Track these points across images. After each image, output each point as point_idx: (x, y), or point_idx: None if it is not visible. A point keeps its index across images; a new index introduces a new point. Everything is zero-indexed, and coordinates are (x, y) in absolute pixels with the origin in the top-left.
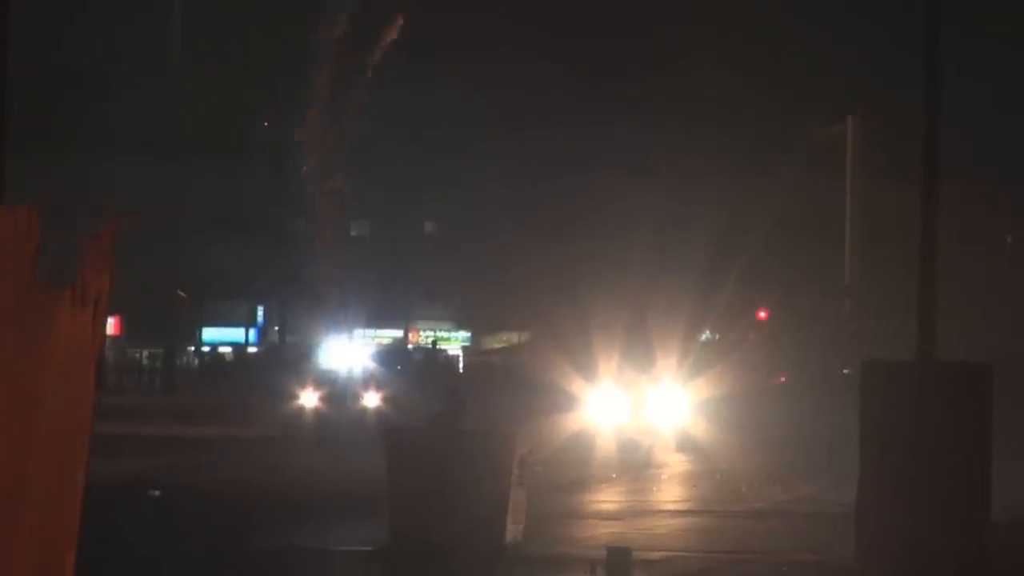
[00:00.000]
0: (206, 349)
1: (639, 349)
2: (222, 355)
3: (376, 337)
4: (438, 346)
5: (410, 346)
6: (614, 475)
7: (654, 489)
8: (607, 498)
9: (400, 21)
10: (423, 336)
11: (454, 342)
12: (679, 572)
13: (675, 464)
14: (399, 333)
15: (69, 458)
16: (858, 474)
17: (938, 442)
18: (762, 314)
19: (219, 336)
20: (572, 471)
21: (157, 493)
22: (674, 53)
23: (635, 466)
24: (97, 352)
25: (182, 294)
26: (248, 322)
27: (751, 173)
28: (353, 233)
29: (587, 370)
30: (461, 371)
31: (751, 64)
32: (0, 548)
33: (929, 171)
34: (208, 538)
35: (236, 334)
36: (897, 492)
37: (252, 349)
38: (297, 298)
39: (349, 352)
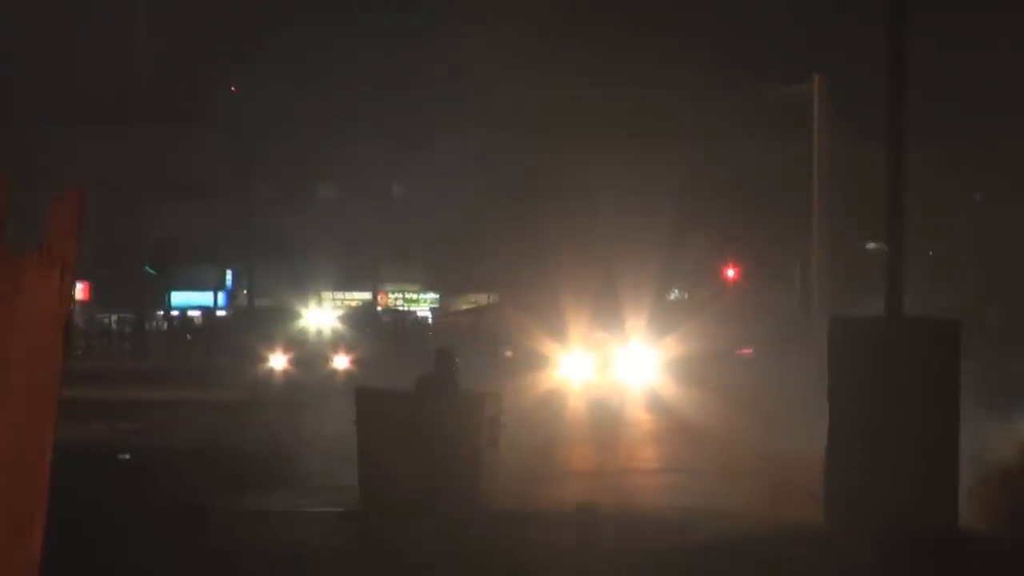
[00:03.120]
0: (175, 313)
1: (608, 309)
2: (191, 319)
3: (345, 299)
4: (407, 308)
5: (379, 308)
6: (584, 434)
7: (624, 447)
8: (578, 457)
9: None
10: (392, 298)
11: (422, 303)
12: (650, 530)
13: (645, 423)
14: (368, 295)
15: (38, 421)
16: (827, 432)
17: (907, 398)
18: (731, 272)
19: (188, 300)
20: (542, 430)
21: (127, 456)
22: (637, 14)
23: (605, 425)
24: (65, 315)
25: (150, 270)
26: (217, 286)
27: (718, 133)
28: (320, 195)
29: (556, 330)
30: (429, 332)
31: (715, 24)
32: None
33: (894, 129)
34: (177, 500)
35: (205, 298)
36: (866, 450)
37: (221, 313)
38: (265, 261)
39: (318, 314)
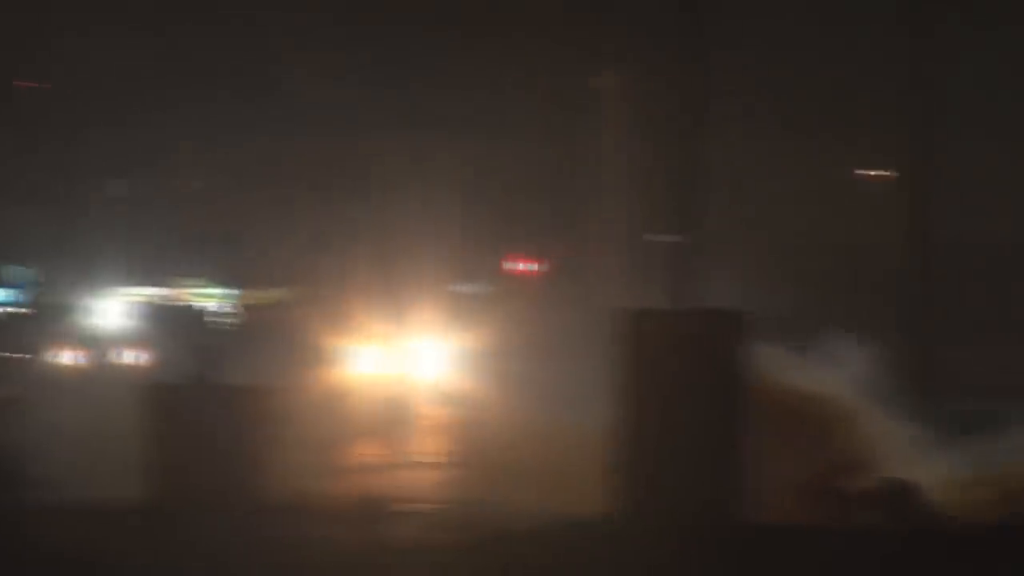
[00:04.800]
0: None
1: (398, 303)
2: None
3: (137, 295)
4: (196, 303)
5: (169, 303)
6: (372, 428)
7: (414, 441)
8: (368, 451)
9: None
10: (185, 293)
11: (216, 299)
12: (436, 524)
13: (434, 417)
14: (161, 290)
15: None
16: (615, 425)
17: (693, 389)
18: (522, 265)
19: None
20: (333, 425)
21: None
22: (428, 6)
23: (396, 419)
24: None
25: None
26: (16, 283)
27: (510, 127)
28: (111, 192)
29: (349, 325)
30: (219, 328)
31: (510, 18)
32: None
33: (687, 129)
34: None
35: (5, 295)
36: (653, 442)
37: (23, 310)
38: (62, 258)
39: (109, 310)
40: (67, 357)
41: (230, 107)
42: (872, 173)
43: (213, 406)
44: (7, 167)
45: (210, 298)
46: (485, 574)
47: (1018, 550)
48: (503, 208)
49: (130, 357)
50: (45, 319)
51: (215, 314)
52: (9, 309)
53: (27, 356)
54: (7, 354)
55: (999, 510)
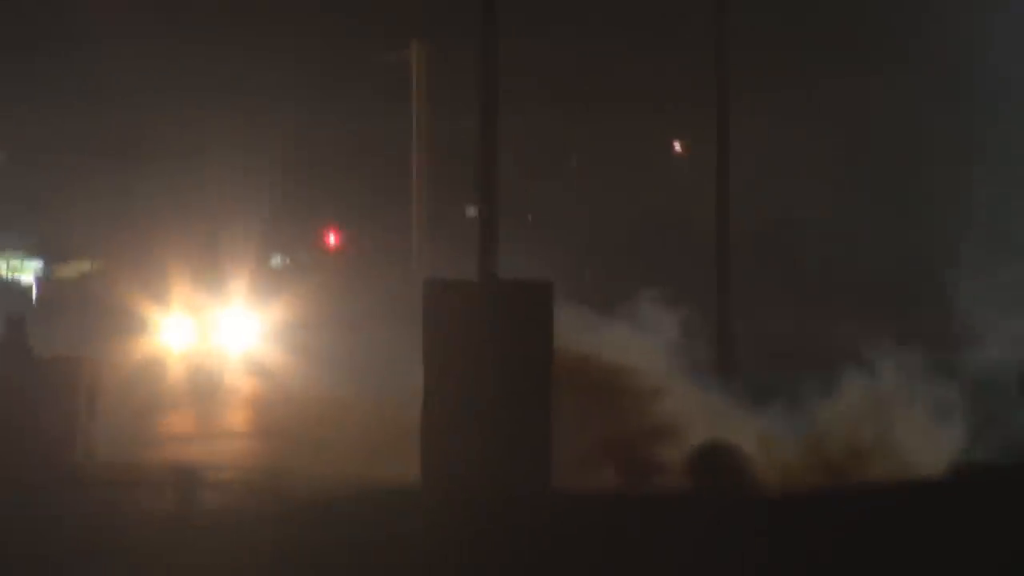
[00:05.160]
0: None
1: (210, 274)
2: None
3: None
4: (6, 275)
5: None
6: (183, 398)
7: (223, 412)
8: (178, 421)
9: None
10: None
11: (26, 271)
12: (247, 491)
13: (244, 388)
14: None
15: None
16: (423, 396)
17: (498, 359)
18: (332, 238)
19: None
20: (143, 395)
21: None
22: None
23: (205, 390)
24: None
25: None
26: None
27: (323, 97)
28: None
29: (159, 296)
30: (28, 299)
31: None
32: None
33: (488, 101)
34: None
35: None
36: (459, 412)
37: None
38: None
39: None
40: None
41: (34, 77)
42: (680, 147)
43: (20, 377)
44: None
45: (21, 270)
46: (294, 541)
47: (837, 516)
48: (318, 183)
49: None
50: None
51: (26, 286)
52: None
53: None
54: None
55: (815, 477)
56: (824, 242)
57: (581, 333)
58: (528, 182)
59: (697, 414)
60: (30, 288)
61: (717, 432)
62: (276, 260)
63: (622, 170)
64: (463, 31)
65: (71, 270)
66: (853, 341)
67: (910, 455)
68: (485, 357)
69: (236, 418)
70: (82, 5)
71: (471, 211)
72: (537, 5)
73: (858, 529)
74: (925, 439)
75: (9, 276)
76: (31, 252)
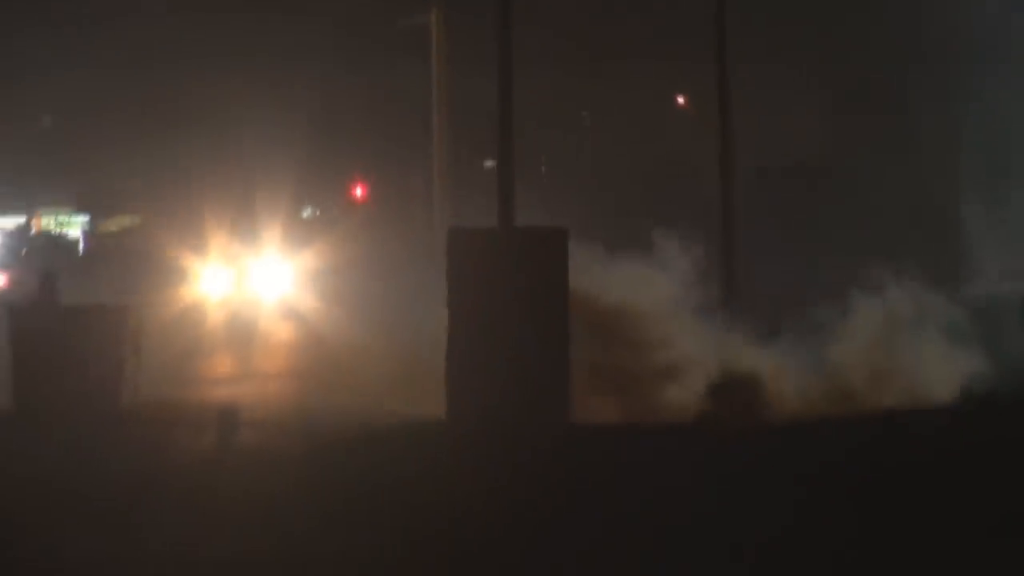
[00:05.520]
0: None
1: (245, 227)
2: None
3: None
4: (56, 230)
5: (33, 231)
6: (222, 343)
7: (259, 356)
8: (216, 364)
9: None
10: (46, 221)
11: (75, 226)
12: (283, 430)
13: (278, 333)
14: (22, 219)
15: None
16: (447, 337)
17: (518, 302)
18: (359, 190)
19: None
20: (184, 341)
21: None
22: None
23: (241, 335)
24: None
25: None
26: None
27: (350, 58)
28: None
29: (198, 248)
30: (77, 252)
31: None
32: None
33: (504, 62)
34: None
35: None
36: (482, 352)
37: None
38: None
39: None
40: None
41: (79, 41)
42: (682, 100)
43: (69, 325)
44: None
45: (69, 225)
46: (327, 472)
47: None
48: (346, 139)
49: None
50: None
51: (74, 240)
52: None
53: None
54: None
55: (831, 406)
56: (828, 185)
57: (595, 273)
58: (542, 133)
59: (708, 349)
60: (77, 242)
61: (729, 365)
62: (307, 212)
63: (631, 121)
64: None
65: (115, 224)
66: (861, 278)
67: (922, 380)
68: (505, 299)
69: (271, 361)
70: None
71: (489, 163)
72: None
73: (872, 452)
74: (936, 365)
75: (58, 231)
76: (78, 208)
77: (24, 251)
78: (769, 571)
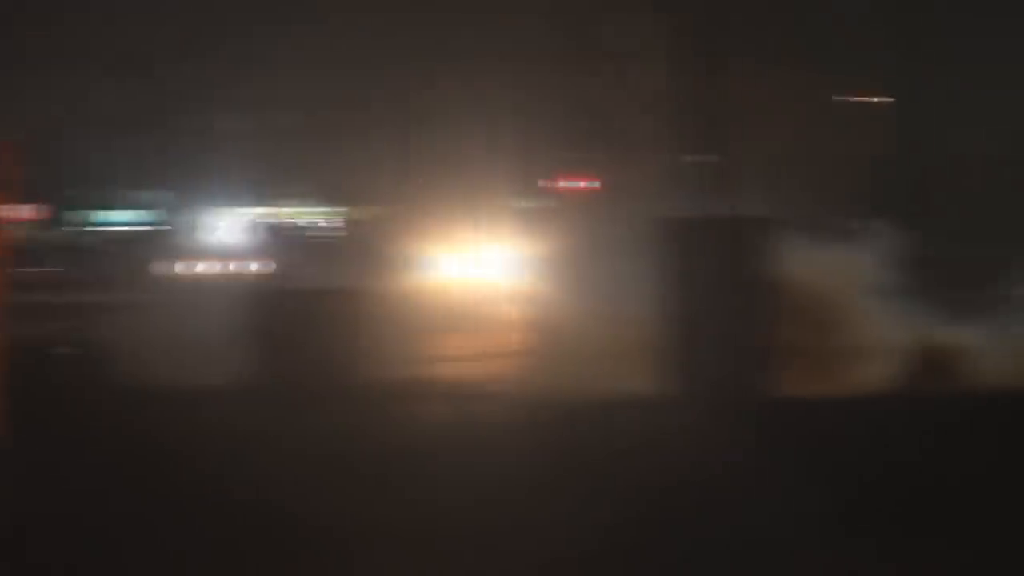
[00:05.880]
0: (111, 229)
1: (476, 215)
2: (125, 234)
3: (255, 214)
4: (305, 219)
5: (283, 221)
6: (455, 323)
7: (491, 335)
8: (452, 343)
9: None
10: (294, 212)
11: (320, 216)
12: (514, 402)
13: (507, 314)
14: (274, 210)
15: None
16: (662, 318)
17: (727, 285)
18: (580, 183)
19: (122, 218)
20: (421, 322)
21: (66, 350)
22: None
23: (474, 317)
24: (9, 238)
25: (88, 194)
26: (147, 205)
27: (568, 62)
28: (231, 127)
29: (431, 236)
30: (324, 240)
31: None
32: None
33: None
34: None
35: (136, 216)
36: (694, 331)
37: (149, 228)
38: (188, 183)
39: (233, 227)
40: (194, 268)
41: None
42: (874, 99)
43: (322, 306)
44: (142, 105)
45: (317, 215)
46: (558, 443)
47: None
48: (560, 134)
49: (248, 267)
50: (174, 236)
51: (321, 229)
52: (139, 228)
53: (158, 267)
54: (140, 266)
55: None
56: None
57: (799, 259)
58: (755, 131)
59: (904, 327)
60: (324, 230)
61: (926, 341)
62: (532, 201)
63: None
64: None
65: (357, 215)
66: None
67: None
68: (719, 283)
69: (500, 340)
70: None
71: (698, 158)
72: None
73: None
74: None
75: (304, 220)
76: (324, 199)
77: (276, 238)
78: None
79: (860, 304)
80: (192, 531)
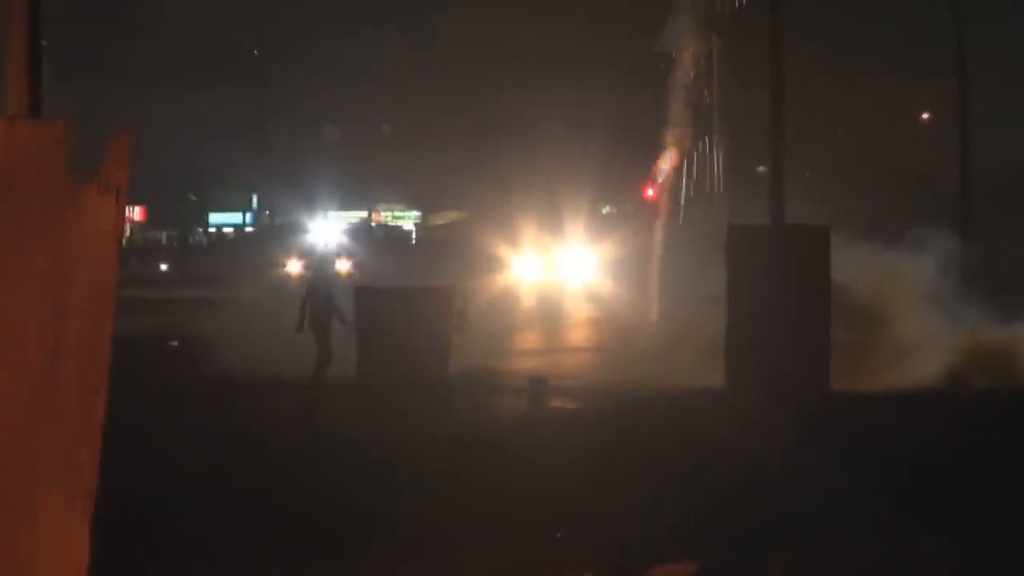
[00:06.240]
0: (212, 230)
1: (553, 221)
2: (225, 235)
3: (346, 217)
4: (394, 223)
5: (373, 224)
6: (532, 321)
7: (565, 332)
8: (529, 339)
9: None
10: (383, 215)
11: (407, 219)
12: (586, 396)
13: (582, 312)
14: (364, 213)
15: (98, 315)
16: (726, 317)
17: (787, 287)
18: (649, 191)
19: (222, 219)
20: (500, 319)
21: (176, 343)
22: None
23: (550, 314)
24: (120, 233)
25: (192, 196)
26: (245, 207)
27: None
28: (326, 136)
29: (511, 239)
30: (411, 242)
31: None
32: (48, 385)
33: (775, 79)
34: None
35: (236, 218)
36: (756, 330)
37: (249, 229)
38: (283, 187)
39: (324, 229)
40: (294, 267)
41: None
42: (925, 116)
43: (404, 304)
44: (251, 119)
45: (405, 219)
46: (627, 432)
47: None
48: (641, 145)
49: (344, 266)
50: (273, 238)
51: (406, 231)
52: (242, 229)
53: (261, 266)
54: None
55: None
56: None
57: (852, 264)
58: (805, 143)
59: (952, 328)
60: (410, 233)
61: (975, 339)
62: (606, 208)
63: (881, 134)
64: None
65: (442, 218)
66: None
67: None
68: (776, 285)
69: (575, 336)
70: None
71: (762, 168)
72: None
73: None
74: None
75: (393, 223)
76: (411, 204)
77: (365, 240)
78: None
79: (912, 306)
80: (266, 514)
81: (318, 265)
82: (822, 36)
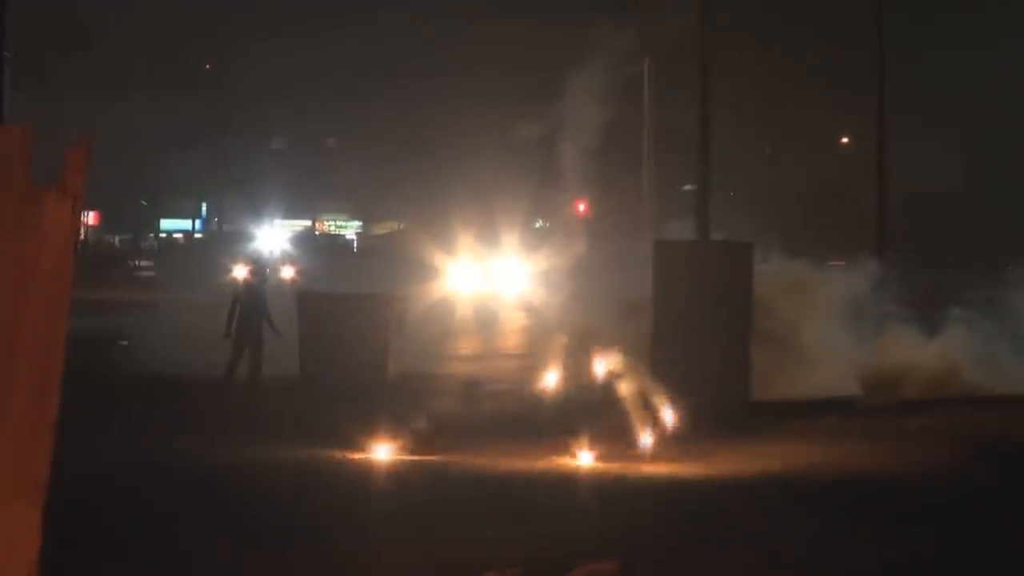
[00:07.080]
0: (163, 235)
1: (489, 232)
2: (175, 240)
3: (291, 226)
4: (335, 232)
5: (316, 232)
6: (469, 328)
7: (500, 339)
8: (465, 346)
9: None
10: (326, 224)
11: (349, 229)
12: (519, 399)
13: (516, 321)
14: (308, 222)
15: (54, 316)
16: (652, 326)
17: (710, 300)
18: (580, 207)
19: (173, 225)
20: (437, 326)
21: (125, 343)
22: None
23: (485, 322)
24: (76, 237)
25: (144, 202)
26: (195, 215)
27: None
28: (273, 147)
29: (449, 249)
30: (351, 250)
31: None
32: (3, 380)
33: (703, 100)
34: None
35: (186, 224)
36: (680, 340)
37: (198, 235)
38: (231, 196)
39: (270, 237)
40: (239, 272)
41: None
42: (846, 140)
43: (345, 310)
44: (203, 129)
45: (345, 228)
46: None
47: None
48: (571, 163)
49: (288, 272)
50: (218, 244)
51: (348, 240)
52: (191, 235)
53: (208, 271)
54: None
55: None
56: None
57: (770, 279)
58: (732, 164)
59: (862, 342)
60: (352, 242)
61: (878, 353)
62: (539, 223)
63: (802, 156)
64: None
65: (383, 228)
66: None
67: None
68: (701, 298)
69: (509, 343)
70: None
71: (688, 187)
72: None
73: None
74: None
75: (336, 231)
76: (353, 214)
77: (308, 248)
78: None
79: (823, 320)
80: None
81: (253, 271)
82: (752, 60)
